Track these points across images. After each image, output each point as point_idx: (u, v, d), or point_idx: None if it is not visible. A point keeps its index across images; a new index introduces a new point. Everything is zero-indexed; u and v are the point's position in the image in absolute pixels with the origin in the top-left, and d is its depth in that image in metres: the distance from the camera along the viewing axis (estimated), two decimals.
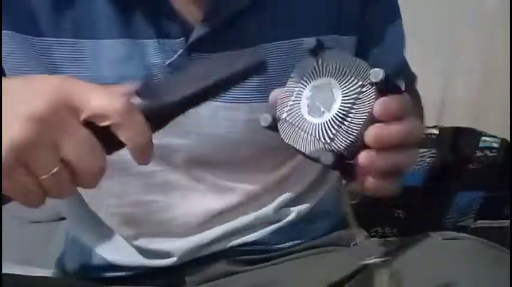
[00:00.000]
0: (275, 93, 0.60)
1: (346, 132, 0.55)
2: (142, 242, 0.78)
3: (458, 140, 1.35)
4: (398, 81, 0.55)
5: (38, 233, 0.85)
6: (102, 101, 0.48)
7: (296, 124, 0.58)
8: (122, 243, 0.79)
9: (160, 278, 0.78)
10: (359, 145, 0.54)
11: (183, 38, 0.67)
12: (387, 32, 0.79)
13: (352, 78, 0.55)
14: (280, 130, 0.59)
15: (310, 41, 0.58)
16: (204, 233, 0.76)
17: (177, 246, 0.76)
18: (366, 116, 0.54)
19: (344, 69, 0.56)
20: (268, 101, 0.61)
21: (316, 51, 0.58)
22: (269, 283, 0.77)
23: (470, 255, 0.67)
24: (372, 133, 0.53)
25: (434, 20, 1.65)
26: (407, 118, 0.54)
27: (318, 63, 0.58)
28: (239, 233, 0.77)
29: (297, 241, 0.80)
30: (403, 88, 0.55)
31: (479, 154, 1.31)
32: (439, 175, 1.28)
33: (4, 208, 1.02)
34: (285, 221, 0.79)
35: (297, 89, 0.59)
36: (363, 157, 0.54)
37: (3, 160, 0.45)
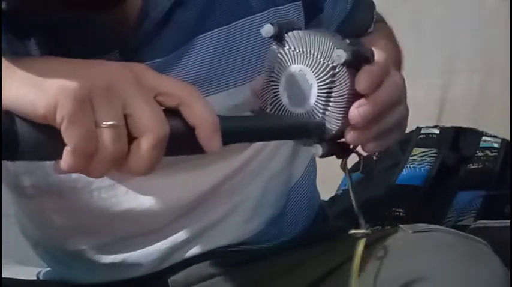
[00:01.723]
0: (255, 85, 0.59)
1: (331, 117, 0.54)
2: (109, 256, 0.75)
3: (458, 140, 1.34)
4: (366, 50, 0.54)
5: None
6: (171, 81, 0.48)
7: (282, 114, 0.58)
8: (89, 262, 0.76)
9: (143, 282, 0.76)
10: (346, 123, 0.54)
11: (117, 51, 0.64)
12: None
13: (322, 61, 0.54)
14: None
15: (267, 29, 0.56)
16: (180, 233, 0.74)
17: (149, 252, 0.74)
18: (345, 97, 0.54)
19: (311, 52, 0.55)
20: (225, 89, 0.64)
21: (278, 37, 0.56)
22: (255, 282, 0.76)
23: (443, 248, 0.66)
24: (356, 114, 0.53)
25: (435, 20, 1.65)
26: (386, 82, 0.54)
27: (284, 51, 0.56)
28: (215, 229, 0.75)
29: (279, 240, 0.79)
30: (373, 55, 0.54)
31: (479, 153, 1.31)
32: (439, 175, 1.28)
33: (4, 208, 1.02)
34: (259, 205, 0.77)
35: (272, 80, 0.58)
36: (351, 136, 0.54)
37: (79, 92, 0.44)
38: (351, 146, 0.57)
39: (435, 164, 1.29)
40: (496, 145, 1.32)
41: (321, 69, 0.54)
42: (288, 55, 0.56)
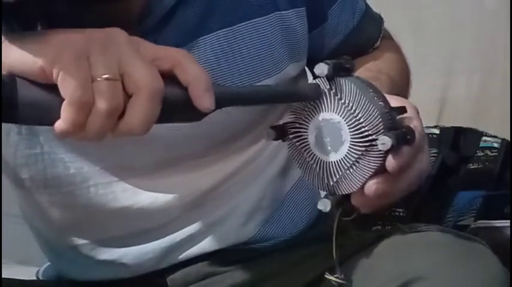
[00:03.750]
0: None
1: (350, 179, 0.54)
2: (106, 253, 0.75)
3: (459, 140, 1.34)
4: (409, 133, 0.53)
5: None
6: (163, 47, 0.50)
7: (302, 150, 0.57)
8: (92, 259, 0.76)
9: (141, 282, 0.76)
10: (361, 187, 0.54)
11: None
12: None
13: (364, 128, 0.53)
14: (287, 146, 0.58)
15: (321, 68, 0.55)
16: (178, 233, 0.74)
17: (146, 250, 0.74)
18: (372, 170, 0.53)
19: (356, 112, 0.53)
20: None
21: (331, 77, 0.55)
22: (253, 281, 0.76)
23: (440, 247, 0.66)
24: (372, 190, 0.53)
25: (435, 20, 1.65)
26: (413, 165, 0.54)
27: (330, 93, 0.55)
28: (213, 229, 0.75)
29: (278, 240, 0.79)
30: (414, 137, 0.54)
31: (479, 153, 1.31)
32: (439, 175, 1.28)
33: (4, 208, 1.02)
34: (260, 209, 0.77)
35: (306, 112, 0.57)
36: (357, 200, 0.55)
37: (76, 46, 0.46)
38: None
39: (435, 164, 1.29)
40: (496, 145, 1.33)
41: (360, 136, 0.53)
42: (333, 101, 0.55)
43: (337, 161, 0.55)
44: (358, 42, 0.82)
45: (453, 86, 1.66)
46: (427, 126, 1.36)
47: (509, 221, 1.12)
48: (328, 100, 0.55)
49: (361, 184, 0.54)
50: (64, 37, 0.47)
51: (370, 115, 0.53)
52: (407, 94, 0.82)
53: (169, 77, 0.49)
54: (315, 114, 0.56)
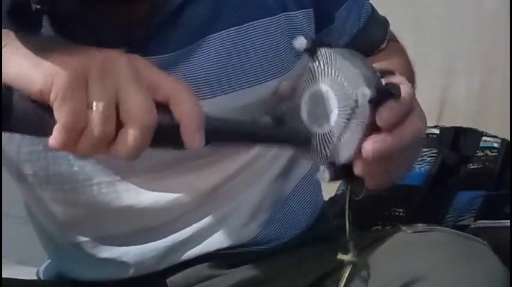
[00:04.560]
0: (278, 89, 0.59)
1: (345, 145, 0.54)
2: (107, 251, 0.75)
3: (459, 140, 1.34)
4: (393, 88, 0.53)
5: None
6: (166, 77, 0.50)
7: (298, 128, 0.57)
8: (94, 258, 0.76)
9: (142, 283, 0.76)
10: (358, 152, 0.54)
11: (126, 45, 0.64)
12: None
13: (347, 91, 0.53)
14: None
15: (300, 42, 0.56)
16: (178, 233, 0.74)
17: (147, 250, 0.74)
18: (363, 130, 0.53)
19: (340, 78, 0.54)
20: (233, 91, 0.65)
21: (311, 50, 0.56)
22: (254, 283, 0.76)
23: (440, 247, 0.66)
24: (369, 149, 0.53)
25: (435, 20, 1.65)
26: (407, 121, 0.54)
27: (314, 67, 0.56)
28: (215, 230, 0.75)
29: (279, 241, 0.78)
30: (399, 92, 0.53)
31: (479, 153, 1.31)
32: (439, 174, 1.28)
33: (4, 208, 1.02)
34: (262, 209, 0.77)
35: (296, 92, 0.58)
36: (359, 168, 0.54)
37: (75, 72, 0.47)
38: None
39: (435, 164, 1.29)
40: (496, 145, 1.33)
41: (345, 98, 0.54)
42: (317, 73, 0.56)
43: (329, 130, 0.55)
44: (364, 44, 0.82)
45: (453, 86, 1.66)
46: (427, 126, 1.36)
47: (509, 221, 1.12)
48: (312, 73, 0.56)
49: (355, 147, 0.53)
50: (63, 58, 0.47)
51: (351, 76, 0.53)
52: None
53: (164, 106, 0.50)
54: (305, 91, 0.57)
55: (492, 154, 1.31)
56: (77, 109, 0.46)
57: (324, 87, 0.55)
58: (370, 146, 0.52)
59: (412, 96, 0.55)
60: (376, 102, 0.52)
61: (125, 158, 0.48)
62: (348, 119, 0.54)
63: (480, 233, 1.09)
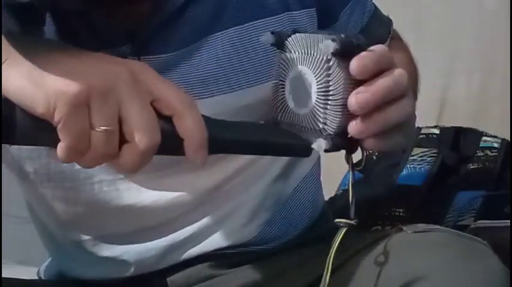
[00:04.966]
0: (266, 94, 0.60)
1: (332, 111, 0.54)
2: (108, 250, 0.75)
3: (459, 140, 1.34)
4: (358, 39, 0.53)
5: None
6: (171, 89, 0.50)
7: (292, 122, 0.58)
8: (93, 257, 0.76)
9: (142, 282, 0.76)
10: (348, 116, 0.54)
11: (128, 43, 0.65)
12: None
13: (316, 56, 0.54)
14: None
15: (267, 38, 0.57)
16: (177, 233, 0.75)
17: (147, 248, 0.75)
18: (342, 88, 0.53)
19: (308, 51, 0.55)
20: (235, 90, 0.66)
21: (279, 43, 0.57)
22: (254, 283, 0.76)
23: (441, 247, 0.66)
24: (353, 102, 0.52)
25: (435, 20, 1.65)
26: (388, 69, 0.53)
27: (286, 56, 0.57)
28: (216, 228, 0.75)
29: (279, 241, 0.78)
30: (364, 41, 0.53)
31: (479, 153, 1.31)
32: (439, 175, 1.28)
33: (4, 208, 1.02)
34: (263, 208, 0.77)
35: (278, 86, 0.59)
36: (352, 127, 0.53)
37: (77, 97, 0.47)
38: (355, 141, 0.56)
39: (435, 164, 1.29)
40: (496, 145, 1.33)
41: (316, 64, 0.54)
42: (289, 59, 0.57)
43: (314, 103, 0.55)
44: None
45: (453, 86, 1.66)
46: (427, 127, 1.37)
47: (509, 221, 1.12)
48: (287, 61, 0.57)
49: (341, 108, 0.53)
50: (65, 81, 0.47)
51: (316, 42, 0.54)
52: (416, 93, 0.82)
53: (167, 118, 0.50)
54: (284, 81, 0.58)
55: (492, 154, 1.31)
56: (80, 132, 0.47)
57: (298, 68, 0.56)
58: (353, 98, 0.52)
59: (385, 49, 0.54)
60: (344, 55, 0.52)
61: (128, 172, 0.51)
62: (327, 85, 0.54)
63: (480, 233, 1.09)
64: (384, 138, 0.55)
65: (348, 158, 0.58)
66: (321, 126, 0.55)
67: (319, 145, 0.55)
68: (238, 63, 0.69)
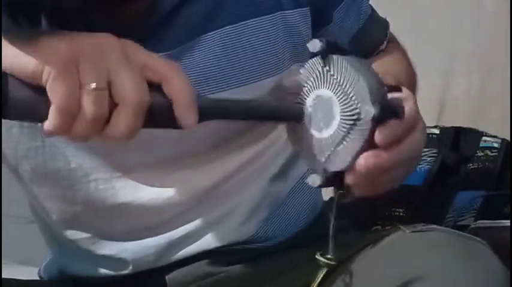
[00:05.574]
0: (286, 80, 0.60)
1: (341, 155, 0.54)
2: (106, 248, 0.75)
3: (459, 140, 1.35)
4: (397, 107, 0.54)
5: (38, 233, 0.85)
6: (154, 56, 0.51)
7: (298, 128, 0.58)
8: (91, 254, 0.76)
9: (141, 280, 0.76)
10: (352, 164, 0.54)
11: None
12: None
13: (352, 103, 0.53)
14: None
15: (314, 45, 0.56)
16: (177, 230, 0.74)
17: (146, 246, 0.75)
18: (361, 144, 0.53)
19: (347, 88, 0.54)
20: (229, 88, 0.66)
21: (323, 53, 0.56)
22: (252, 282, 0.76)
23: (439, 247, 0.66)
24: (362, 163, 0.53)
25: (434, 20, 1.65)
26: (406, 140, 0.54)
27: (323, 70, 0.56)
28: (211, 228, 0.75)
29: (277, 240, 0.78)
30: (403, 112, 0.54)
31: (479, 153, 1.31)
32: (439, 175, 1.28)
33: (4, 208, 1.02)
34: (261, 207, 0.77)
35: (302, 91, 0.58)
36: (350, 178, 0.54)
37: (66, 53, 0.47)
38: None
39: (435, 164, 1.29)
40: (496, 145, 1.33)
41: (349, 110, 0.54)
42: (326, 78, 0.56)
43: (328, 136, 0.55)
44: (363, 44, 0.82)
45: (453, 87, 1.66)
46: (427, 127, 1.36)
47: (509, 221, 1.12)
48: (321, 77, 0.56)
49: (350, 159, 0.54)
50: (55, 42, 0.48)
51: (358, 89, 0.53)
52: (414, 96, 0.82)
53: (157, 86, 0.50)
54: (310, 92, 0.57)
55: (492, 154, 1.31)
56: (70, 89, 0.47)
57: (331, 93, 0.55)
58: (364, 160, 0.53)
59: (416, 113, 0.56)
60: (378, 120, 0.52)
61: (121, 139, 0.49)
62: (348, 130, 0.54)
63: (480, 233, 1.09)
64: (375, 190, 0.57)
65: (335, 192, 0.58)
66: (323, 160, 0.55)
67: (314, 180, 0.55)
68: (233, 62, 0.69)
